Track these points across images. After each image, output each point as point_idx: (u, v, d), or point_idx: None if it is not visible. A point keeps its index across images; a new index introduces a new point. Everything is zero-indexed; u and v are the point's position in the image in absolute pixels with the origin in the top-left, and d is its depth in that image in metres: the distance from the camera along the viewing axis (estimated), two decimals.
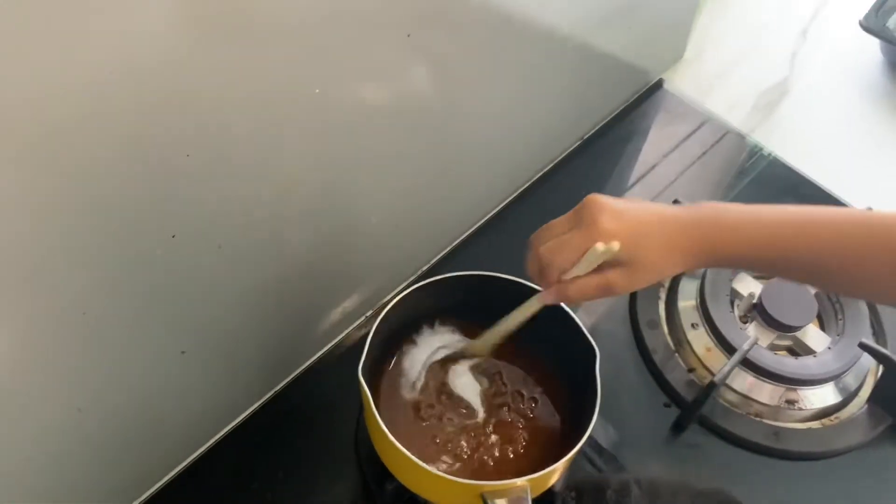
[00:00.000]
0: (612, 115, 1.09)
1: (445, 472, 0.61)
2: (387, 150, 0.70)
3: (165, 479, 0.74)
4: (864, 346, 0.81)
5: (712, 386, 0.77)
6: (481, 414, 0.71)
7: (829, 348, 0.83)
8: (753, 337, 0.81)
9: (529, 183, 1.00)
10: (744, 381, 0.81)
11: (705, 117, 1.10)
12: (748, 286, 0.88)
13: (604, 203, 0.55)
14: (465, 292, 0.72)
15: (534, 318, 0.66)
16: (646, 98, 1.12)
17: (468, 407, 0.71)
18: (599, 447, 0.77)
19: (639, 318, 0.87)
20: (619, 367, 0.84)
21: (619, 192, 1.02)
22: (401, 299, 0.69)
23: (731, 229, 0.56)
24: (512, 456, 0.69)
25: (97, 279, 0.52)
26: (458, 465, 0.68)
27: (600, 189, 0.95)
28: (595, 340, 0.67)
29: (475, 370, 0.73)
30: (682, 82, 1.15)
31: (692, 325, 0.86)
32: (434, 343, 0.74)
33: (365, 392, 0.62)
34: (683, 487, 0.74)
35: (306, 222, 0.67)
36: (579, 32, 0.87)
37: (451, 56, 0.69)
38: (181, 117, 0.49)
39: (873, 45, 1.17)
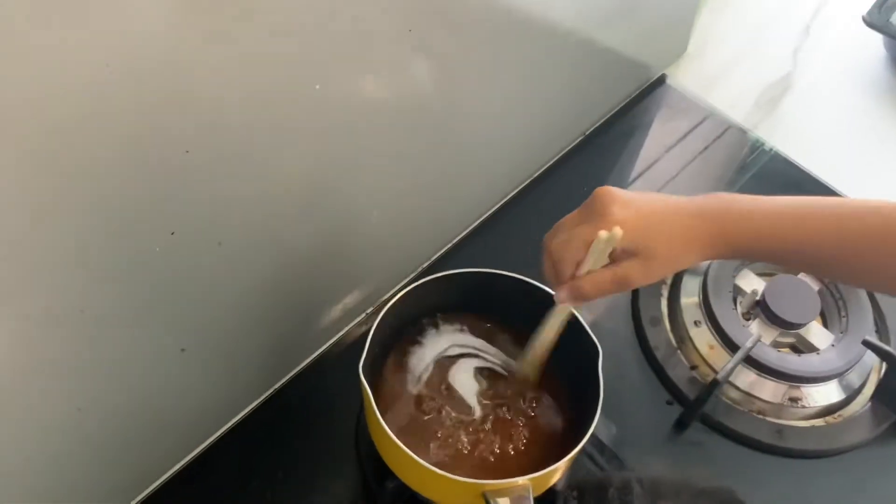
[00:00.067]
0: (614, 110, 1.09)
1: (446, 470, 0.60)
2: (387, 147, 0.70)
3: (165, 477, 0.74)
4: (867, 344, 0.81)
5: (715, 383, 0.76)
6: (478, 412, 0.70)
7: (833, 345, 0.83)
8: (756, 334, 0.81)
9: (531, 179, 1.00)
10: (746, 379, 0.81)
11: (707, 112, 1.10)
12: (751, 283, 0.87)
13: (614, 194, 0.55)
14: (466, 289, 0.72)
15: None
16: (648, 94, 1.12)
17: (465, 404, 0.71)
18: (601, 445, 0.77)
19: (641, 315, 0.87)
20: (621, 365, 0.84)
21: (621, 187, 1.00)
22: (402, 296, 0.69)
23: (744, 219, 0.55)
24: (513, 454, 0.68)
25: (95, 276, 0.52)
26: (458, 463, 0.67)
27: (601, 184, 0.95)
28: (596, 337, 0.67)
29: (479, 370, 0.73)
30: (685, 78, 1.15)
31: (695, 323, 0.85)
32: (442, 342, 0.73)
33: (365, 389, 0.62)
34: (686, 486, 0.73)
35: (306, 219, 0.67)
36: (581, 28, 0.86)
37: (452, 51, 0.69)
38: (180, 114, 0.49)
39: (876, 40, 1.16)
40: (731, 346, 0.82)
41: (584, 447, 0.62)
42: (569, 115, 1.01)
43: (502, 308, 0.73)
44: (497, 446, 0.68)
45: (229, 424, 0.77)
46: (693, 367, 0.83)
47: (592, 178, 1.01)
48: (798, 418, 0.81)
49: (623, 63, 1.03)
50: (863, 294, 0.87)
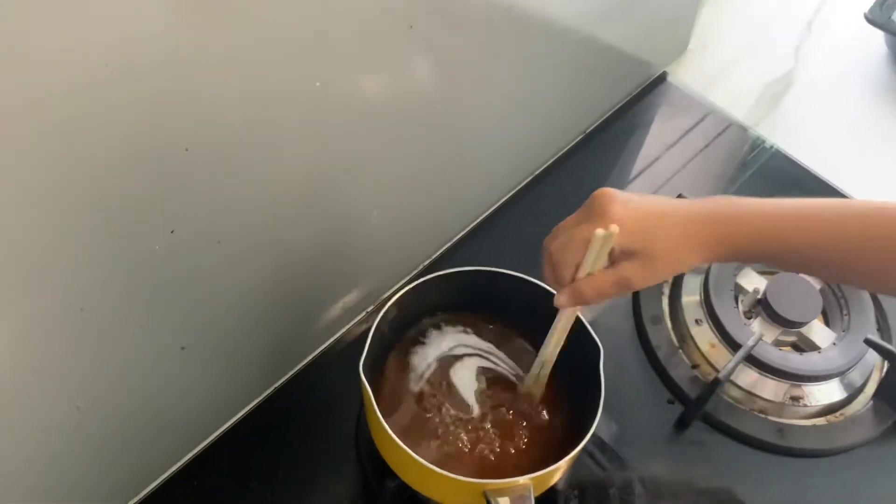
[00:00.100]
0: (615, 108, 1.08)
1: (446, 469, 0.60)
2: (387, 145, 0.70)
3: (165, 476, 0.74)
4: (869, 342, 0.81)
5: (717, 382, 0.76)
6: (475, 411, 0.70)
7: (835, 344, 0.83)
8: (758, 333, 0.81)
9: (531, 178, 0.99)
10: (748, 378, 0.81)
11: (708, 110, 1.09)
12: (752, 281, 0.87)
13: (613, 194, 0.55)
14: (467, 288, 0.72)
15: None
16: (649, 91, 1.12)
17: (465, 402, 0.71)
18: (602, 444, 0.77)
19: (642, 314, 0.87)
20: (622, 363, 0.84)
21: (621, 185, 1.01)
22: (403, 295, 0.68)
23: (745, 222, 0.55)
24: (514, 453, 0.68)
25: (94, 274, 0.52)
26: (459, 462, 0.67)
27: (602, 183, 0.95)
28: (597, 336, 0.67)
29: (482, 370, 0.72)
30: (686, 75, 1.14)
31: (696, 321, 0.85)
32: (446, 341, 0.73)
33: (366, 388, 0.62)
34: (687, 485, 0.73)
35: (306, 218, 0.67)
36: (582, 25, 0.86)
37: (453, 49, 0.69)
38: (179, 111, 0.49)
39: (878, 37, 1.16)
40: (733, 345, 0.81)
41: (585, 446, 0.61)
42: (569, 114, 1.00)
43: (503, 307, 0.72)
44: (498, 445, 0.68)
45: (229, 423, 0.77)
46: (694, 366, 0.83)
47: (593, 176, 1.01)
48: (799, 417, 0.81)
49: (624, 61, 1.03)
50: (864, 292, 0.87)
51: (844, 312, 0.86)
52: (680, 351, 0.84)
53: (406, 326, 0.73)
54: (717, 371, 0.78)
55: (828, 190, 1.01)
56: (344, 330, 0.84)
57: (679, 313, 0.86)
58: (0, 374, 0.51)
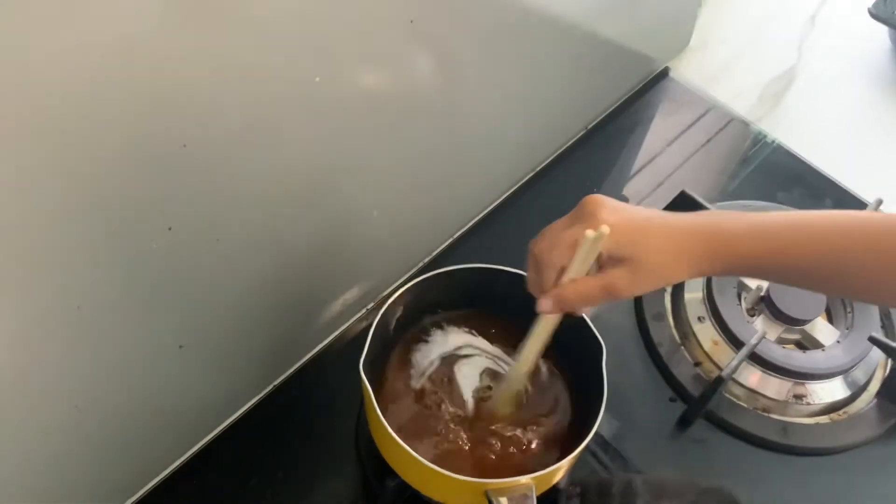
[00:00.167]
0: (617, 104, 1.08)
1: (447, 468, 0.59)
2: (388, 141, 0.69)
3: (164, 474, 0.73)
4: (873, 340, 0.81)
5: (719, 380, 0.76)
6: (471, 407, 0.69)
7: (838, 342, 0.82)
8: (761, 330, 0.80)
9: (533, 173, 0.99)
10: (751, 376, 0.80)
11: (710, 105, 1.09)
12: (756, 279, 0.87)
13: (603, 200, 0.54)
14: (468, 285, 0.71)
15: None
16: (651, 87, 1.11)
17: (465, 401, 0.70)
18: (604, 442, 0.76)
19: (644, 311, 0.86)
20: (624, 361, 0.83)
21: (622, 180, 1.01)
22: (403, 292, 0.68)
23: (737, 236, 0.54)
24: (515, 451, 0.68)
25: (92, 273, 0.52)
26: (460, 461, 0.67)
27: (603, 178, 0.94)
28: (599, 333, 0.66)
29: (488, 371, 0.72)
30: (689, 71, 1.14)
31: (698, 318, 0.84)
32: (448, 342, 0.73)
33: (366, 387, 0.61)
34: (689, 484, 0.73)
35: (306, 215, 0.66)
36: (584, 21, 0.86)
37: (454, 44, 0.68)
38: (177, 108, 0.48)
39: (882, 32, 1.16)
40: (736, 343, 0.81)
41: (587, 445, 0.61)
42: (571, 110, 1.00)
43: (505, 303, 0.72)
44: (499, 444, 0.67)
45: (229, 421, 0.77)
46: (697, 364, 0.83)
47: (595, 172, 1.01)
48: (802, 415, 0.80)
49: (626, 56, 1.02)
50: None
51: (848, 310, 0.85)
52: (682, 348, 0.84)
53: (407, 324, 0.73)
54: (720, 369, 0.78)
55: (830, 185, 1.01)
56: (344, 327, 0.84)
57: (681, 310, 0.86)
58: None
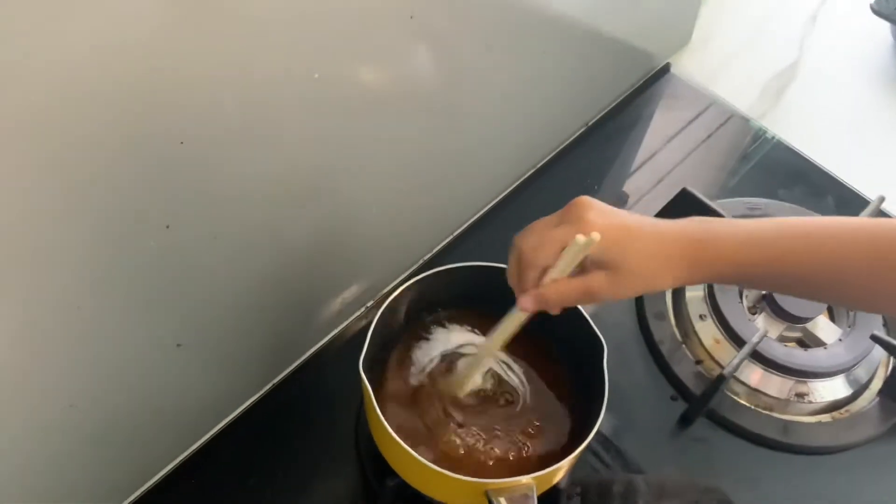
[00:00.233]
0: (618, 100, 1.08)
1: (447, 468, 0.59)
2: (388, 138, 0.69)
3: (163, 473, 0.73)
4: (875, 339, 0.80)
5: (721, 379, 0.75)
6: (477, 409, 0.69)
7: (840, 340, 0.82)
8: (763, 329, 0.80)
9: (533, 170, 0.99)
10: (752, 374, 0.80)
11: (710, 101, 1.09)
12: None
13: (592, 202, 0.53)
14: (468, 283, 0.71)
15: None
16: (652, 83, 1.11)
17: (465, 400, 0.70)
18: (605, 441, 0.76)
19: (645, 309, 0.86)
20: (625, 359, 0.83)
21: (623, 177, 1.01)
22: (403, 290, 0.68)
23: (725, 244, 0.53)
24: (515, 451, 0.67)
25: (90, 272, 0.51)
26: (460, 460, 0.66)
27: (604, 175, 0.94)
28: (600, 332, 0.66)
29: (488, 372, 0.71)
30: (690, 67, 1.13)
31: (700, 317, 0.84)
32: (450, 340, 0.72)
33: (365, 386, 0.61)
34: (690, 483, 0.73)
35: (305, 213, 0.66)
36: (585, 17, 0.85)
37: (454, 40, 0.68)
38: (175, 106, 0.48)
39: (884, 28, 1.15)
40: (737, 341, 0.81)
41: (588, 444, 0.61)
42: (572, 106, 0.99)
43: (505, 301, 0.71)
44: (500, 444, 0.67)
45: (228, 420, 0.76)
46: (698, 362, 0.82)
47: (595, 168, 1.01)
48: (804, 414, 0.80)
49: (627, 52, 1.02)
50: None
51: None
52: (683, 346, 0.84)
53: (407, 322, 0.73)
54: (722, 367, 0.78)
55: (831, 182, 1.00)
56: (343, 326, 0.83)
57: (683, 308, 0.85)
58: None
